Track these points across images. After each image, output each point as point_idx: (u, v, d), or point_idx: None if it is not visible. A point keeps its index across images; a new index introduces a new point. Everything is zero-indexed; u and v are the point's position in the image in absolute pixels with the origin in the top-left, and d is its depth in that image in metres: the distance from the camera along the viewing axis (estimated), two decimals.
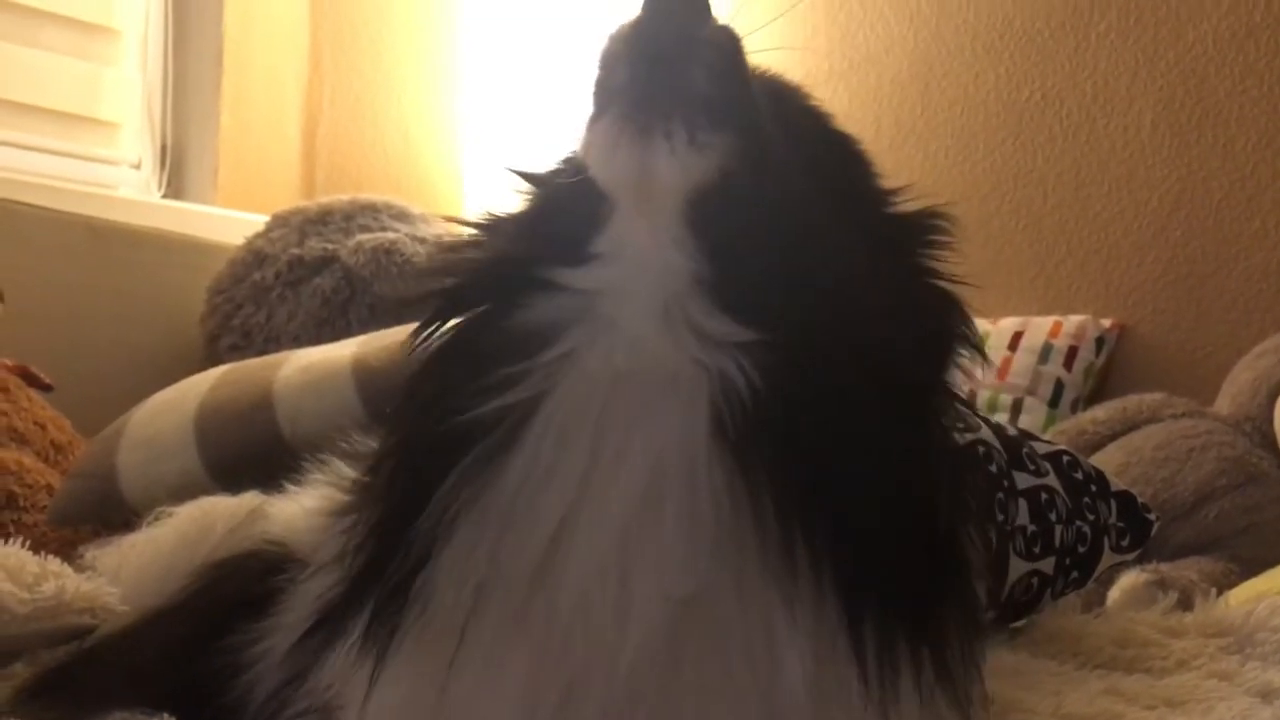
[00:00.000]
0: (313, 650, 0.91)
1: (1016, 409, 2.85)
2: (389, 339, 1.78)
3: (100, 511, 1.70)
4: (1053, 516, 1.46)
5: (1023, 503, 1.44)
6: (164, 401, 1.81)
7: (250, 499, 1.38)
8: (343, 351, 1.78)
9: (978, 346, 0.96)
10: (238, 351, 2.56)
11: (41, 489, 1.89)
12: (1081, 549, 1.49)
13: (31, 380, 2.15)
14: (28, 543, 1.25)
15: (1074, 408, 2.91)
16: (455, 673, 0.81)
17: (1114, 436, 2.86)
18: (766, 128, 0.85)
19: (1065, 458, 1.54)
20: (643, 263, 0.84)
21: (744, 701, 0.78)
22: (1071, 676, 1.23)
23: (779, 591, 0.78)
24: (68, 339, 2.51)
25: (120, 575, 1.31)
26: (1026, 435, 1.56)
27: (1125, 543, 1.53)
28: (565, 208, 0.88)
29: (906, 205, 0.95)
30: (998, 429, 1.51)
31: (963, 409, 0.99)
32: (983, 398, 2.81)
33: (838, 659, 0.78)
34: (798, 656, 0.77)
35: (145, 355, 2.60)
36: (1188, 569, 2.58)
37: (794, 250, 0.83)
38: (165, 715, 1.04)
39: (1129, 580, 2.51)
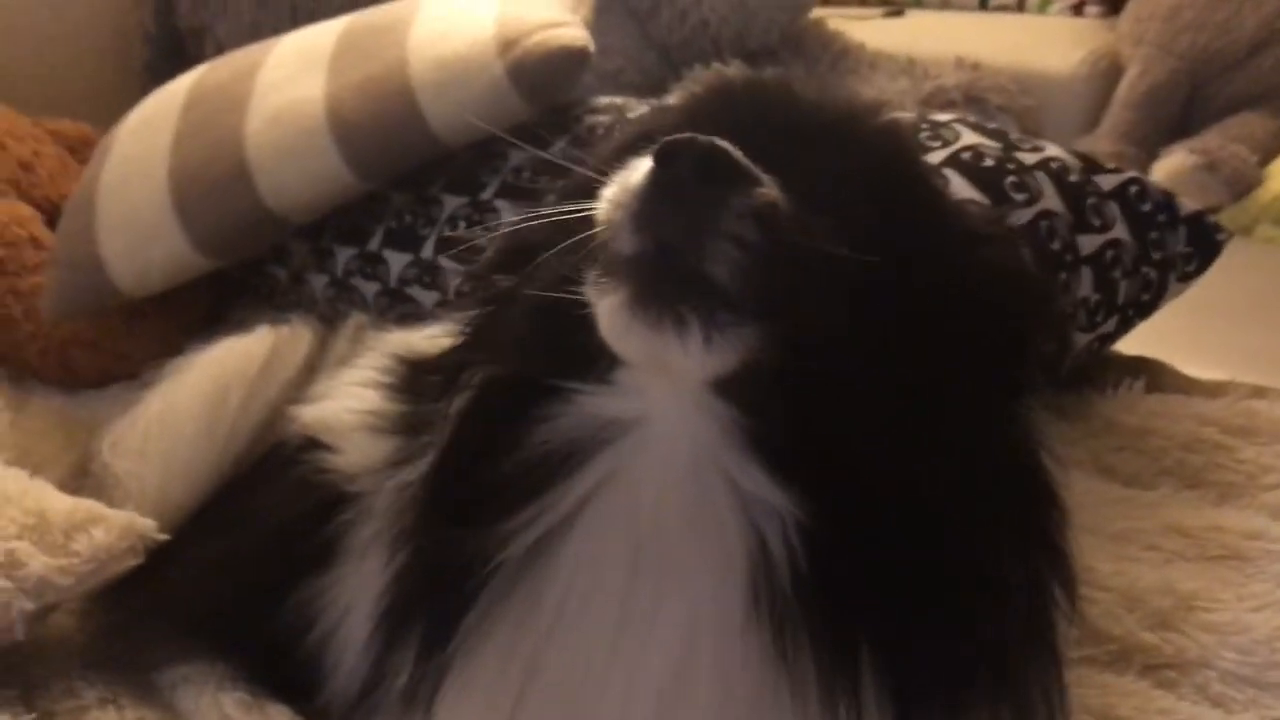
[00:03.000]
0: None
1: None
2: (359, 72, 1.56)
3: (96, 302, 1.60)
4: (1117, 273, 1.35)
5: (1086, 271, 1.33)
6: (129, 161, 1.63)
7: (257, 348, 1.31)
8: (312, 92, 1.57)
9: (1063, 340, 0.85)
10: None
11: (26, 243, 1.77)
12: (1145, 296, 1.40)
13: None
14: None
15: None
16: None
17: None
18: (808, 307, 0.71)
19: (1133, 188, 1.39)
20: (668, 410, 0.76)
21: None
22: (1133, 501, 1.20)
23: None
24: None
25: (145, 468, 1.26)
26: (1091, 167, 1.39)
27: (1192, 268, 1.43)
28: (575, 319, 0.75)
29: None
30: (1059, 176, 1.35)
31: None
32: None
33: None
34: None
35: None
36: (1237, 135, 2.44)
37: (840, 418, 0.73)
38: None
39: (1175, 162, 2.39)
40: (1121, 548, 1.14)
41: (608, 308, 0.71)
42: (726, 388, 0.73)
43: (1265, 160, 2.42)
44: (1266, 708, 0.97)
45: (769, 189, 0.70)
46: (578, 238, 0.73)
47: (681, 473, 0.76)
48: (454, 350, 0.89)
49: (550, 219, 0.76)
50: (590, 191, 0.78)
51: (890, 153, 0.83)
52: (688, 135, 0.70)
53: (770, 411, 0.73)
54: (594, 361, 0.76)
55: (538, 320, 0.80)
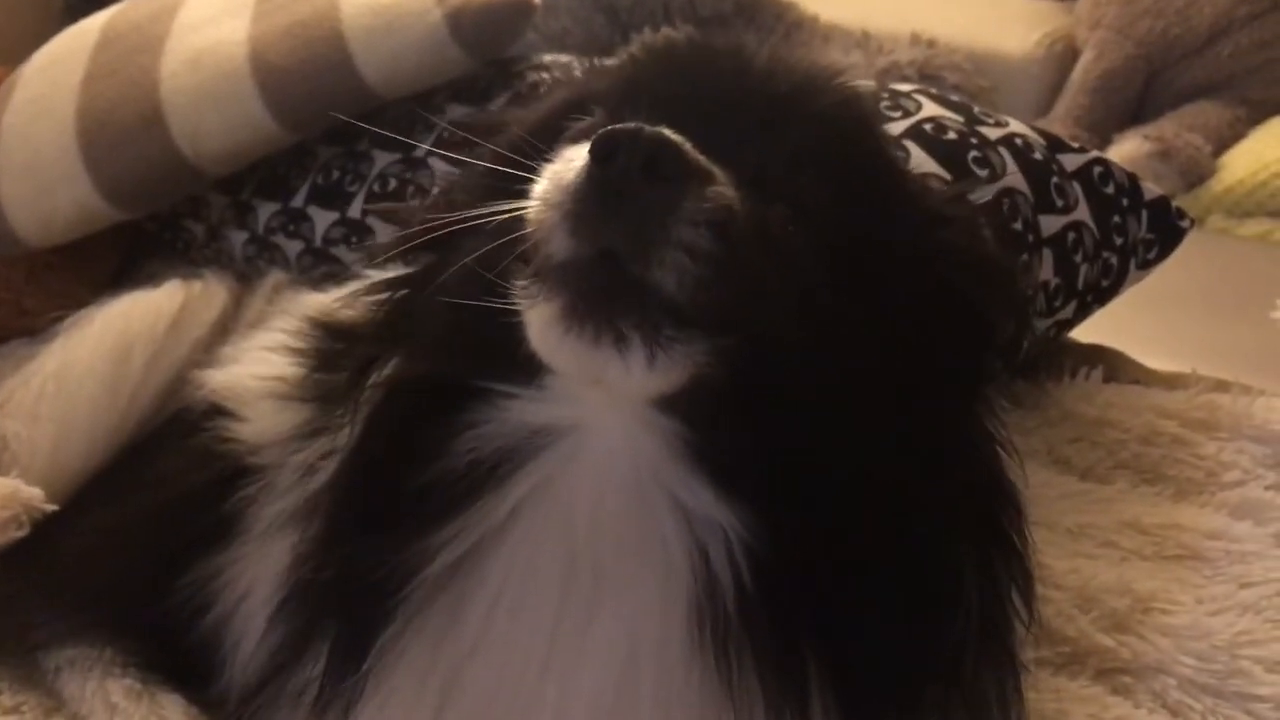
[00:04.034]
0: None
1: None
2: (287, 15, 1.46)
3: None
4: (1078, 257, 1.30)
5: (1048, 253, 1.27)
6: (34, 102, 1.52)
7: (166, 303, 1.22)
8: (235, 35, 1.46)
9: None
10: None
11: None
12: (1105, 282, 1.34)
13: None
14: None
15: None
16: None
17: None
18: (764, 316, 0.64)
19: (1097, 169, 1.34)
20: (606, 421, 0.70)
21: None
22: (1088, 495, 1.15)
23: None
24: None
25: (36, 431, 1.16)
26: (1055, 145, 1.33)
27: (1153, 255, 1.38)
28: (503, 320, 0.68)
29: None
30: (1024, 153, 1.29)
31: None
32: None
33: None
34: None
35: None
36: (1192, 123, 2.41)
37: (794, 428, 0.66)
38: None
39: (1129, 148, 2.35)
40: (1076, 544, 1.09)
41: (538, 318, 0.64)
42: (670, 401, 0.67)
43: (1220, 150, 2.39)
44: (1226, 717, 0.92)
45: (724, 188, 0.63)
46: (504, 236, 0.65)
47: (620, 485, 0.69)
48: (363, 339, 0.82)
49: (473, 217, 0.67)
50: (524, 157, 0.71)
51: (849, 129, 0.76)
52: (632, 126, 0.61)
53: (717, 425, 0.67)
54: (524, 365, 0.68)
55: (461, 316, 0.71)
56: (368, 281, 0.88)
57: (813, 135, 0.72)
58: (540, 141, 0.72)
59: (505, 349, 0.67)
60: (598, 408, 0.69)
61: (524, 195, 0.66)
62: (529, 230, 0.63)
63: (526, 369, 0.68)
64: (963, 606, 0.72)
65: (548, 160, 0.67)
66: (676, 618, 0.69)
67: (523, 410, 0.71)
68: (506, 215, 0.64)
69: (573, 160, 0.63)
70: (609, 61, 0.85)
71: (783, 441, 0.66)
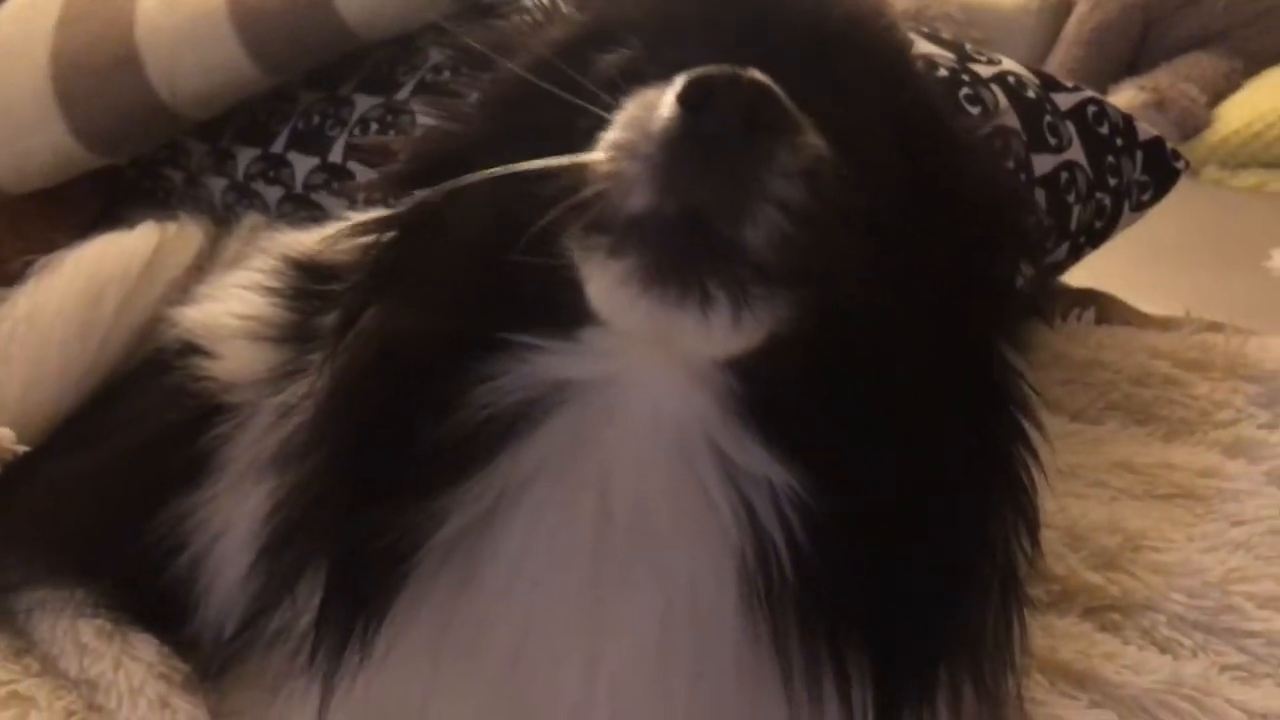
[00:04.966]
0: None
1: None
2: None
3: None
4: (1071, 197, 1.28)
5: (1040, 193, 1.25)
6: (7, 43, 1.48)
7: (140, 245, 1.20)
8: None
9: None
10: None
11: None
12: (1099, 224, 1.32)
13: None
14: None
15: None
16: None
17: None
18: (848, 269, 0.60)
19: (1091, 109, 1.32)
20: (651, 375, 0.65)
21: None
22: (1079, 436, 1.13)
23: None
24: None
25: (7, 373, 1.14)
26: (1049, 84, 1.31)
27: (1147, 197, 1.36)
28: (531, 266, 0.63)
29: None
30: (1016, 91, 1.26)
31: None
32: None
33: None
34: None
35: None
36: (1188, 74, 2.38)
37: (859, 381, 0.63)
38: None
39: (1124, 99, 2.32)
40: (1066, 484, 1.07)
41: (607, 277, 0.59)
42: (735, 358, 0.62)
43: (1215, 101, 2.37)
44: (1217, 653, 0.91)
45: (814, 139, 0.59)
46: (548, 182, 0.60)
47: (663, 443, 0.65)
48: (352, 286, 0.75)
49: (529, 168, 0.61)
50: (522, 95, 0.67)
51: (899, 70, 0.73)
52: (729, 70, 0.56)
53: (779, 380, 0.63)
54: (557, 317, 0.64)
55: (477, 264, 0.66)
56: (349, 223, 0.85)
57: (863, 70, 0.68)
58: (561, 67, 0.67)
59: (535, 299, 0.63)
60: (644, 361, 0.65)
61: (552, 131, 0.62)
62: (598, 181, 0.58)
63: (560, 321, 0.64)
64: (988, 548, 0.70)
65: (581, 93, 0.63)
66: (725, 582, 0.65)
67: (549, 364, 0.65)
68: (567, 164, 0.59)
69: (655, 106, 0.58)
70: None
71: (842, 393, 0.63)
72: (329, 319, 0.81)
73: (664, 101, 0.58)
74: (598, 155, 0.59)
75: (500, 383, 0.66)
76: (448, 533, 0.66)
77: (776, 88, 0.57)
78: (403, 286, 0.71)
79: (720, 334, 0.58)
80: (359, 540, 0.67)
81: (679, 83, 0.57)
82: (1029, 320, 1.28)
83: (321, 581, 0.72)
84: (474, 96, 0.77)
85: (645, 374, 0.65)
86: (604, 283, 0.60)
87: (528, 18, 1.04)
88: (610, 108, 0.61)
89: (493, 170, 0.62)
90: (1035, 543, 0.74)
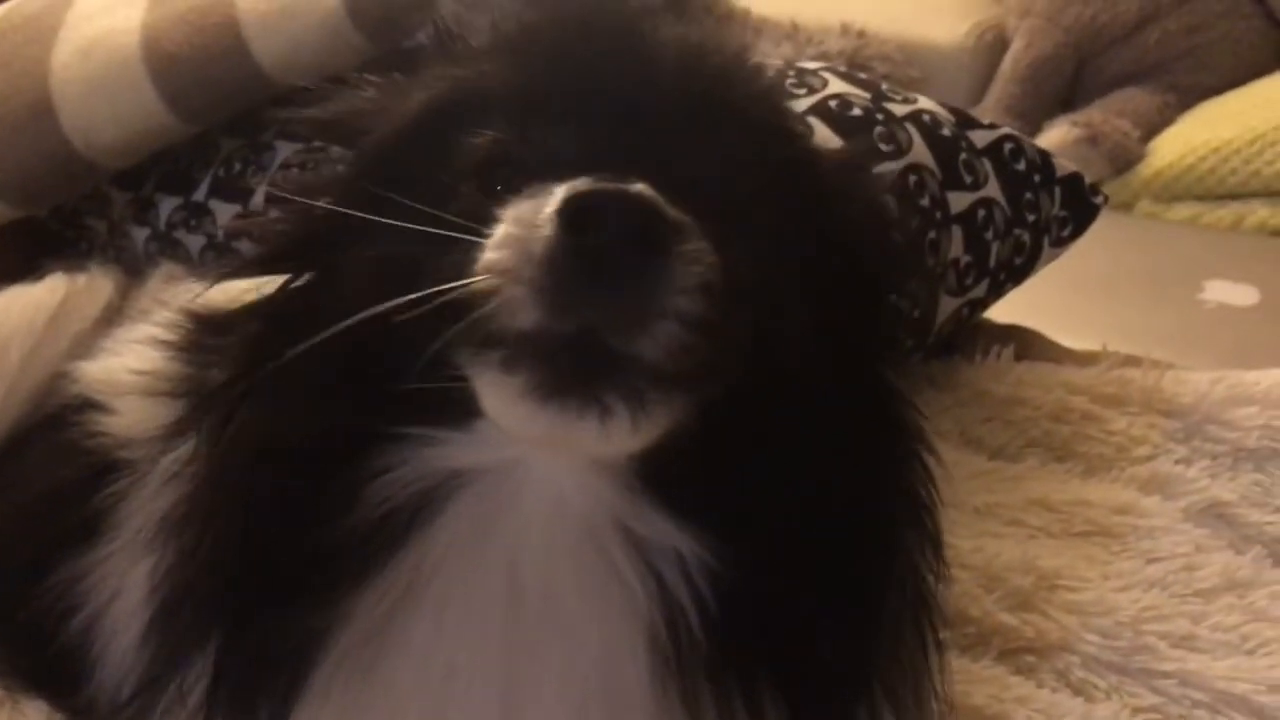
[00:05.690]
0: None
1: None
2: (182, 2, 1.42)
3: None
4: (989, 234, 1.28)
5: (957, 230, 1.25)
6: None
7: (46, 297, 1.18)
8: (129, 23, 1.42)
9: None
10: None
11: None
12: (1019, 260, 1.32)
13: None
14: None
15: None
16: None
17: None
18: (741, 362, 0.60)
19: (1008, 145, 1.32)
20: (552, 462, 0.64)
21: None
22: (997, 474, 1.12)
23: None
24: None
25: None
26: (965, 122, 1.31)
27: (1067, 232, 1.36)
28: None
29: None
30: (931, 130, 1.27)
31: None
32: None
33: None
34: None
35: None
36: (1121, 109, 2.40)
37: (758, 450, 0.63)
38: None
39: (1058, 134, 2.34)
40: (983, 522, 1.06)
41: (504, 390, 0.57)
42: (639, 459, 0.62)
43: (1148, 136, 2.39)
44: (1131, 695, 0.90)
45: (701, 243, 0.57)
46: (427, 290, 0.57)
47: (569, 524, 0.64)
48: (224, 382, 0.71)
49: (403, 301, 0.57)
50: (403, 163, 0.65)
51: (773, 124, 0.71)
52: (612, 189, 0.54)
53: (681, 459, 0.61)
54: (446, 409, 0.62)
55: (353, 362, 0.63)
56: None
57: (740, 138, 0.66)
58: (421, 149, 0.66)
59: (423, 396, 0.61)
60: (542, 452, 0.63)
61: (419, 218, 0.60)
62: (481, 302, 0.56)
63: (454, 414, 0.62)
64: (899, 580, 0.69)
65: (442, 182, 0.62)
66: (637, 652, 0.64)
67: (445, 454, 0.63)
68: (449, 291, 0.56)
69: (534, 222, 0.56)
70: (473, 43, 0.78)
71: (744, 459, 0.62)
72: (213, 375, 0.80)
73: (543, 218, 0.55)
74: (478, 279, 0.57)
75: (396, 475, 0.64)
76: (353, 631, 0.64)
77: (662, 202, 0.55)
78: (276, 383, 0.66)
79: (619, 438, 0.57)
80: (251, 644, 0.65)
81: (558, 199, 0.55)
82: (948, 358, 1.29)
83: (212, 661, 0.69)
84: (336, 170, 0.74)
85: (545, 462, 0.63)
86: (499, 396, 0.58)
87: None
88: (480, 212, 0.59)
89: (356, 317, 0.59)
90: (940, 558, 0.73)
